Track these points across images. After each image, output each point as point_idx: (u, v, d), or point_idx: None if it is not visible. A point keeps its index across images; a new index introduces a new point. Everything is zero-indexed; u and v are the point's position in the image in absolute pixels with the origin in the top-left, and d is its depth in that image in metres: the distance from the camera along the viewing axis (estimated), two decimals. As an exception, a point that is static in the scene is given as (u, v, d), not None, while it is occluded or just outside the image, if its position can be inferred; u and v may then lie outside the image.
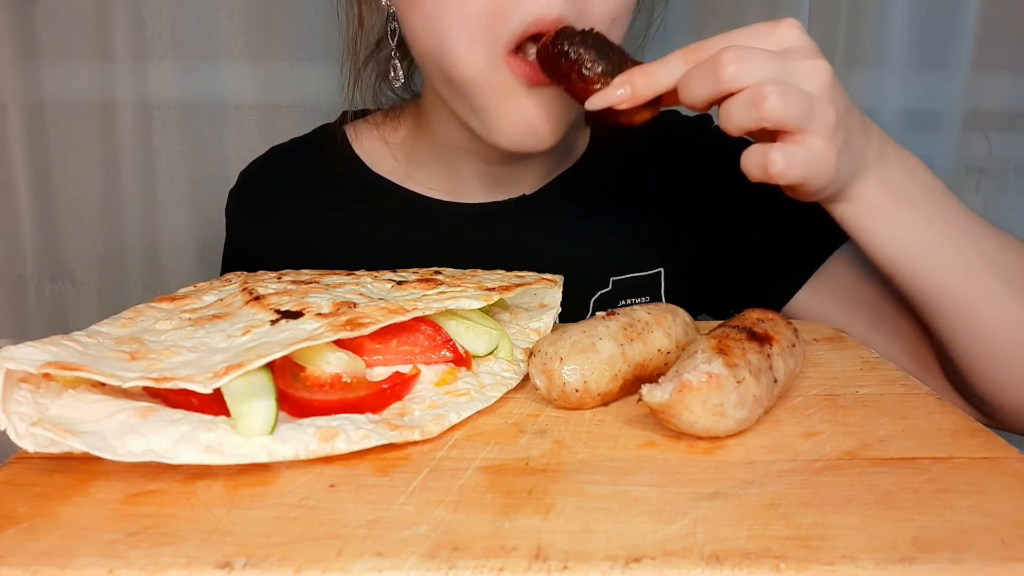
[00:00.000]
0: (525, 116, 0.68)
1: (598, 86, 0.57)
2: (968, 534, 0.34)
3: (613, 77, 0.56)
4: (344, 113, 0.91)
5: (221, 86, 1.08)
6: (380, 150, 0.88)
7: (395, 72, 0.82)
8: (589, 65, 0.57)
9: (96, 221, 1.12)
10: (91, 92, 1.08)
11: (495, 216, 0.84)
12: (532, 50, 0.64)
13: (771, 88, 0.52)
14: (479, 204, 0.85)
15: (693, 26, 1.09)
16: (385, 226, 0.85)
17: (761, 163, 0.54)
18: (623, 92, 0.56)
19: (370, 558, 0.32)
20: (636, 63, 0.57)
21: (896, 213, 0.60)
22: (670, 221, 0.86)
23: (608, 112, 0.57)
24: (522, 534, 0.34)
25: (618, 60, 0.58)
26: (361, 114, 0.92)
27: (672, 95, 0.56)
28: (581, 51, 0.58)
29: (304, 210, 0.87)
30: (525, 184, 0.85)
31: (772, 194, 0.61)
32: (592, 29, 0.60)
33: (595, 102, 0.56)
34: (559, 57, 0.58)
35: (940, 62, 1.10)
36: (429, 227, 0.85)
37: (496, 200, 0.85)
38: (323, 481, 0.39)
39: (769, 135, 0.54)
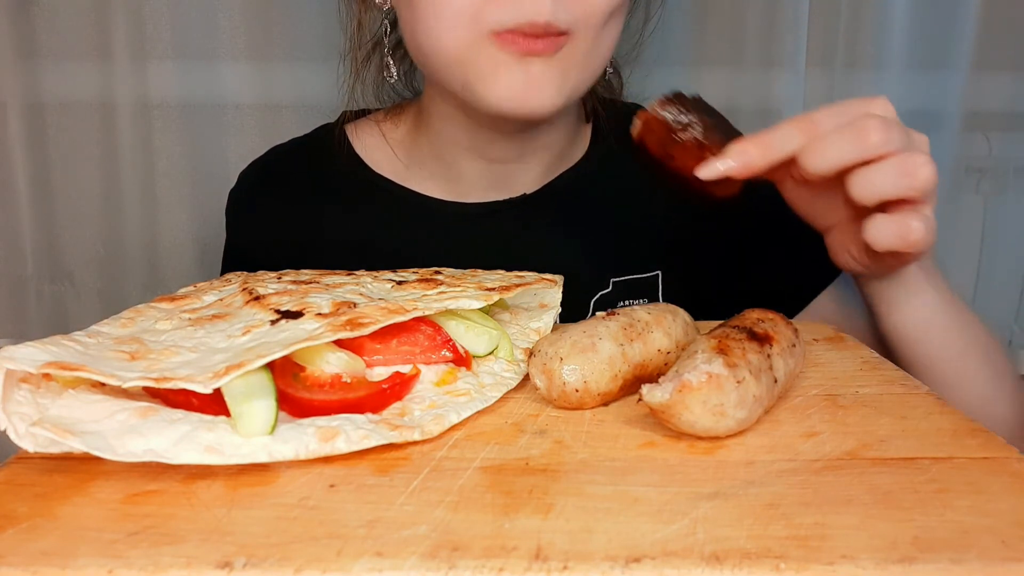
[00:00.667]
0: (519, 80, 0.68)
1: (711, 154, 0.56)
2: (968, 534, 0.34)
3: (725, 145, 0.56)
4: (344, 113, 0.91)
5: (221, 86, 1.08)
6: (381, 148, 0.88)
7: (388, 69, 0.83)
8: (706, 132, 0.57)
9: (96, 221, 1.11)
10: (91, 92, 1.07)
11: (496, 216, 0.84)
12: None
13: (923, 159, 0.54)
14: (480, 204, 0.85)
15: (692, 24, 1.09)
16: (386, 226, 0.85)
17: (901, 232, 0.55)
18: (737, 161, 0.56)
19: (370, 558, 0.32)
20: (738, 132, 0.58)
21: (925, 293, 0.63)
22: (669, 227, 0.86)
23: (691, 181, 0.57)
24: (522, 534, 0.34)
25: (727, 128, 0.58)
26: (362, 114, 0.92)
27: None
28: (693, 118, 0.57)
29: (304, 210, 0.87)
30: (525, 184, 0.85)
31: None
32: (698, 95, 0.60)
33: (709, 171, 0.56)
34: (672, 123, 0.57)
35: (940, 62, 1.10)
36: (430, 227, 0.85)
37: (497, 200, 0.85)
38: (323, 481, 0.39)
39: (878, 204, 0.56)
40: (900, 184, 0.54)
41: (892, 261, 0.61)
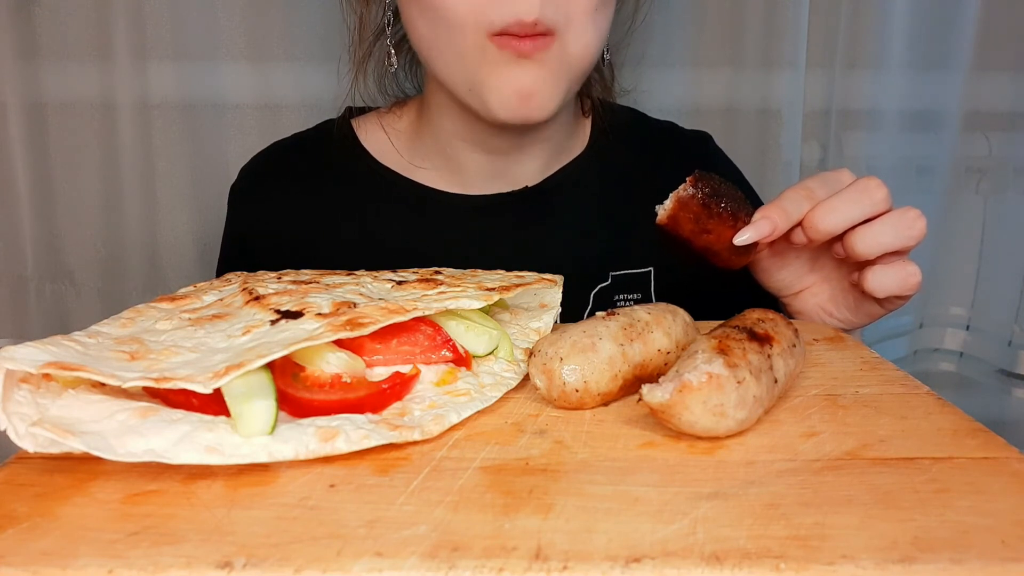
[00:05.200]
0: (518, 83, 0.70)
1: (743, 223, 0.62)
2: (968, 534, 0.34)
3: (751, 214, 0.62)
4: (349, 108, 0.91)
5: (221, 86, 1.08)
6: (384, 141, 0.89)
7: (389, 58, 0.85)
8: (735, 203, 0.62)
9: (96, 221, 1.11)
10: (91, 92, 1.07)
11: (498, 208, 0.85)
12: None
13: (916, 213, 0.60)
14: (482, 196, 0.85)
15: (692, 24, 1.09)
16: (389, 217, 0.86)
17: (903, 278, 0.62)
18: (767, 227, 0.61)
19: (370, 558, 0.32)
20: (747, 199, 0.63)
21: None
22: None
23: (720, 253, 0.63)
24: (522, 534, 0.34)
25: (742, 196, 0.63)
26: (366, 111, 0.92)
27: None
28: (722, 190, 0.62)
29: (307, 201, 0.87)
30: (526, 176, 0.86)
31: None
32: (712, 173, 0.64)
33: (745, 236, 0.61)
34: (709, 198, 0.61)
35: (940, 62, 1.10)
36: (433, 218, 0.85)
37: (499, 192, 0.85)
38: (323, 481, 0.39)
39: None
40: (901, 237, 0.60)
41: (881, 310, 0.67)
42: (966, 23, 1.08)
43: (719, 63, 1.10)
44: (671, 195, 0.62)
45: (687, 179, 0.62)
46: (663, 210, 0.63)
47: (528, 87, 0.70)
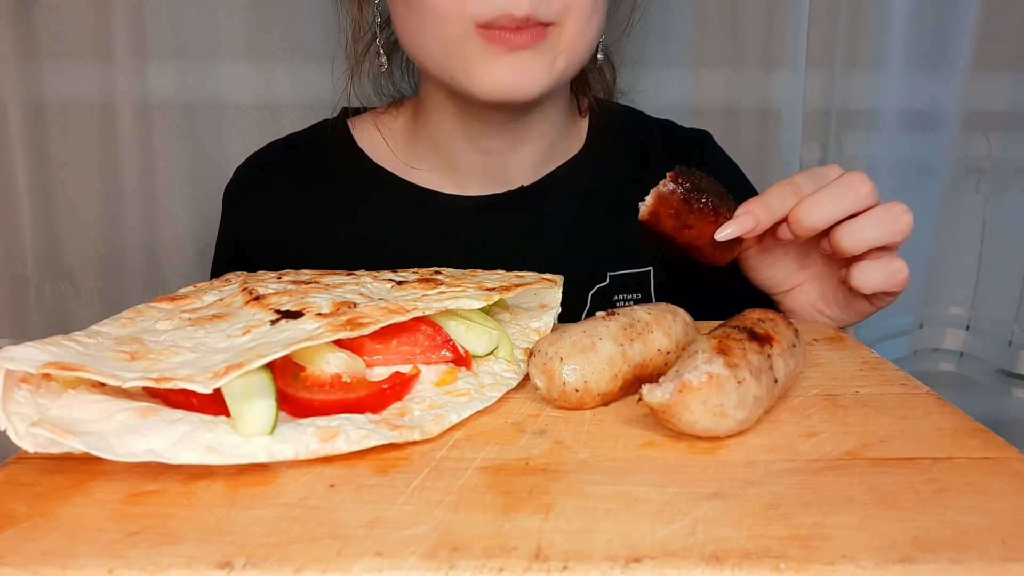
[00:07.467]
0: (505, 68, 0.70)
1: (724, 219, 0.62)
2: (968, 534, 0.34)
3: (732, 210, 0.62)
4: (345, 108, 0.91)
5: (221, 86, 1.08)
6: (380, 142, 0.89)
7: (379, 58, 0.85)
8: (716, 199, 0.62)
9: (96, 221, 1.11)
10: (91, 92, 1.07)
11: (495, 208, 0.85)
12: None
13: (902, 208, 0.60)
14: (478, 196, 0.85)
15: (692, 24, 1.09)
16: (386, 218, 0.86)
17: (889, 273, 0.61)
18: (749, 223, 0.61)
19: (370, 558, 0.32)
20: (730, 195, 0.63)
21: None
22: None
23: (703, 249, 0.63)
24: (522, 534, 0.34)
25: (725, 192, 0.63)
26: (362, 111, 0.92)
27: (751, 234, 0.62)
28: (703, 186, 0.62)
29: (302, 202, 0.87)
30: (521, 176, 0.85)
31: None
32: (693, 167, 0.64)
33: (727, 232, 0.61)
34: (689, 194, 0.61)
35: (940, 62, 1.10)
36: (429, 219, 0.85)
37: (495, 192, 0.85)
38: (323, 481, 0.39)
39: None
40: (887, 232, 0.59)
41: (870, 307, 0.66)
42: (966, 23, 1.08)
43: (719, 63, 1.10)
44: (652, 191, 0.62)
45: (667, 175, 0.62)
46: (644, 206, 0.63)
47: (516, 69, 0.69)
